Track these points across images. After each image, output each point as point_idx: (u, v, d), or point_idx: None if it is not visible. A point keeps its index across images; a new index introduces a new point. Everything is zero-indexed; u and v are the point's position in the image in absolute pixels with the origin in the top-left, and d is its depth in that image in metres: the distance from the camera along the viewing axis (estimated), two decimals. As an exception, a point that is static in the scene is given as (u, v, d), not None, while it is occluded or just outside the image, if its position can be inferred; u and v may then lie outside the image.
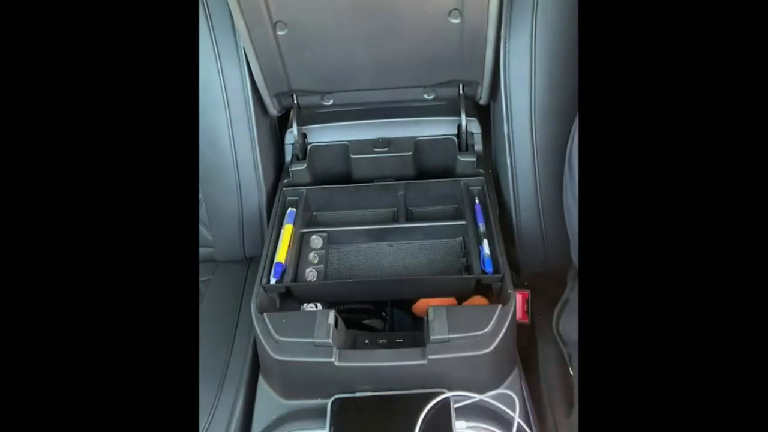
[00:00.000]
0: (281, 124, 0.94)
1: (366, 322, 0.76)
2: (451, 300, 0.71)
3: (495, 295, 0.70)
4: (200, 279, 0.91)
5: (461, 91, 0.84)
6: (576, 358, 0.70)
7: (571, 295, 0.76)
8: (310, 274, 0.75)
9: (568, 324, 0.75)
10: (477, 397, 0.62)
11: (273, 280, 0.71)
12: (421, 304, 0.73)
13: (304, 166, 0.84)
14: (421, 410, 0.59)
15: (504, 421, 0.62)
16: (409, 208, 0.83)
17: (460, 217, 0.79)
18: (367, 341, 0.66)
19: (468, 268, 0.73)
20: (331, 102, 0.88)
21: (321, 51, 0.77)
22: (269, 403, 0.67)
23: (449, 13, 0.71)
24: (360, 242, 0.79)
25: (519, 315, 0.68)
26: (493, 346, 0.61)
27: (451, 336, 0.61)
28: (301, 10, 0.71)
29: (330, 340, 0.61)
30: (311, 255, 0.76)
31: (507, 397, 0.63)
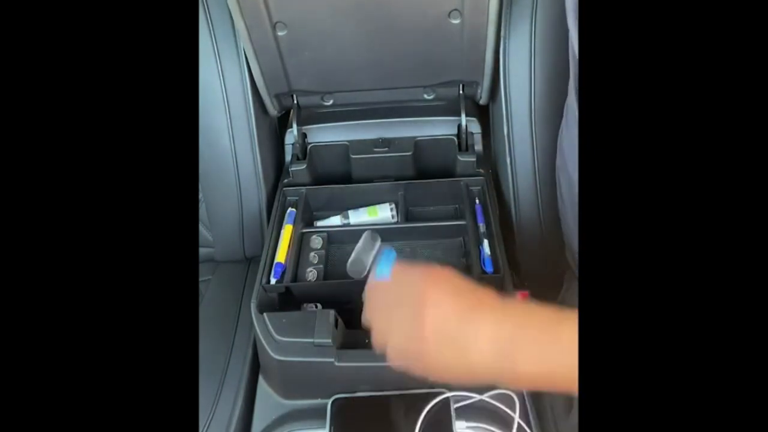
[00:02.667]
0: (281, 124, 0.94)
1: (366, 322, 0.76)
2: (451, 300, 0.71)
3: (495, 295, 0.70)
4: (200, 279, 0.91)
5: (461, 91, 0.84)
6: None
7: (567, 295, 0.76)
8: (310, 274, 0.75)
9: None
10: (477, 397, 0.62)
11: (273, 280, 0.71)
12: (421, 304, 0.73)
13: (304, 166, 0.84)
14: (421, 410, 0.60)
15: (504, 421, 0.62)
16: (409, 208, 0.83)
17: (460, 217, 0.79)
18: (367, 341, 0.66)
19: (468, 268, 0.73)
20: (331, 102, 0.88)
21: (321, 51, 0.77)
22: (269, 403, 0.67)
23: (449, 14, 0.71)
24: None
25: (519, 315, 0.67)
26: (493, 346, 0.61)
27: (451, 336, 0.61)
28: (301, 10, 0.71)
29: (330, 340, 0.61)
30: (311, 255, 0.76)
31: (507, 397, 0.63)
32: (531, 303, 0.43)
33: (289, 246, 0.74)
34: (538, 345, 0.38)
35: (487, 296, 0.43)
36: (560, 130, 0.74)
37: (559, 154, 0.75)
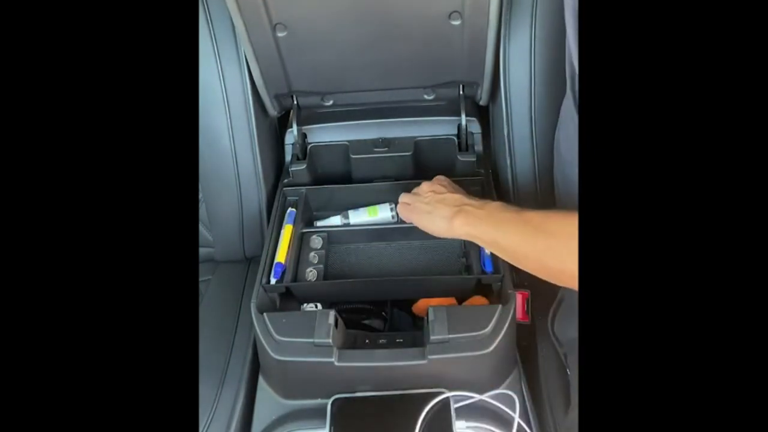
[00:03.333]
0: (281, 124, 0.94)
1: (366, 322, 0.76)
2: (451, 300, 0.71)
3: (495, 295, 0.70)
4: (200, 279, 0.90)
5: (461, 92, 0.84)
6: (572, 358, 0.70)
7: (566, 294, 0.76)
8: (310, 274, 0.75)
9: (563, 323, 0.75)
10: (477, 397, 0.62)
11: (273, 280, 0.71)
12: (421, 304, 0.73)
13: (304, 166, 0.84)
14: (421, 410, 0.60)
15: (504, 421, 0.62)
16: None
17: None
18: (367, 341, 0.66)
19: (468, 268, 0.73)
20: (331, 102, 0.88)
21: (321, 53, 0.77)
22: (269, 403, 0.67)
23: (449, 16, 0.71)
24: (360, 242, 0.79)
25: (519, 315, 0.68)
26: (493, 347, 0.61)
27: (451, 336, 0.61)
28: (301, 12, 0.71)
29: (330, 340, 0.61)
30: (311, 255, 0.77)
31: (507, 397, 0.63)
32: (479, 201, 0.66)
33: (289, 246, 0.74)
34: (475, 220, 0.63)
35: (457, 195, 0.69)
36: (557, 130, 0.74)
37: (556, 154, 0.75)
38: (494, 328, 0.62)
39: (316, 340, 0.62)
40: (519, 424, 0.61)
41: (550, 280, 0.57)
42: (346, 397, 0.62)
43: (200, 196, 0.90)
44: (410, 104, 0.88)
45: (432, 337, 0.61)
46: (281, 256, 0.73)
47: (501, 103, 0.83)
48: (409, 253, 0.78)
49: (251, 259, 0.93)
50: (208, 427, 0.69)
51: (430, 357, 0.60)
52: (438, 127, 0.86)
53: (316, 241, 0.78)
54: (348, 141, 0.86)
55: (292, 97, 0.85)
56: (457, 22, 0.72)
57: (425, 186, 0.72)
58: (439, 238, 0.77)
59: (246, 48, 0.75)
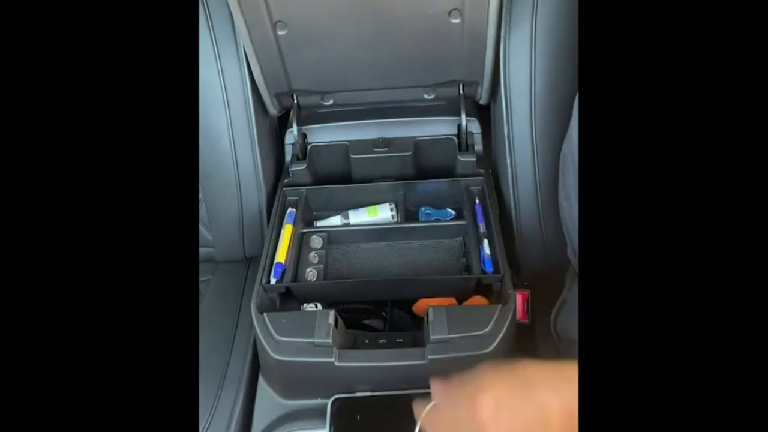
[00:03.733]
0: (281, 124, 0.94)
1: (366, 322, 0.76)
2: (451, 300, 0.71)
3: (495, 295, 0.70)
4: (200, 279, 0.91)
5: (461, 91, 0.84)
6: (570, 357, 0.70)
7: (569, 295, 0.76)
8: (310, 274, 0.75)
9: (565, 323, 0.75)
10: (477, 397, 0.62)
11: (273, 280, 0.71)
12: (421, 304, 0.73)
13: (304, 166, 0.84)
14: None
15: (504, 421, 0.61)
16: (409, 208, 0.83)
17: (460, 217, 0.79)
18: (367, 341, 0.66)
19: (468, 268, 0.73)
20: (331, 102, 0.88)
21: (321, 51, 0.77)
22: (269, 403, 0.67)
23: (449, 13, 0.71)
24: (360, 242, 0.79)
25: (519, 315, 0.68)
26: (493, 346, 0.61)
27: (451, 336, 0.61)
28: (302, 9, 0.71)
29: (330, 340, 0.61)
30: (311, 255, 0.76)
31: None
32: (566, 363, 0.42)
33: (289, 246, 0.74)
34: None
35: (532, 371, 0.41)
36: (571, 120, 0.73)
37: (567, 143, 0.74)
38: (494, 328, 0.62)
39: (316, 340, 0.62)
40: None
41: None
42: (346, 397, 0.62)
43: (200, 196, 0.90)
44: (410, 104, 0.88)
45: (432, 337, 0.61)
46: (281, 256, 0.73)
47: (501, 102, 0.83)
48: (409, 253, 0.78)
49: (251, 259, 0.93)
50: (208, 427, 0.69)
51: (430, 357, 0.60)
52: (438, 127, 0.86)
53: (316, 241, 0.78)
54: (348, 141, 0.86)
55: (292, 96, 0.85)
56: (456, 20, 0.72)
57: (482, 415, 0.42)
58: (439, 238, 0.77)
59: (246, 46, 0.75)
